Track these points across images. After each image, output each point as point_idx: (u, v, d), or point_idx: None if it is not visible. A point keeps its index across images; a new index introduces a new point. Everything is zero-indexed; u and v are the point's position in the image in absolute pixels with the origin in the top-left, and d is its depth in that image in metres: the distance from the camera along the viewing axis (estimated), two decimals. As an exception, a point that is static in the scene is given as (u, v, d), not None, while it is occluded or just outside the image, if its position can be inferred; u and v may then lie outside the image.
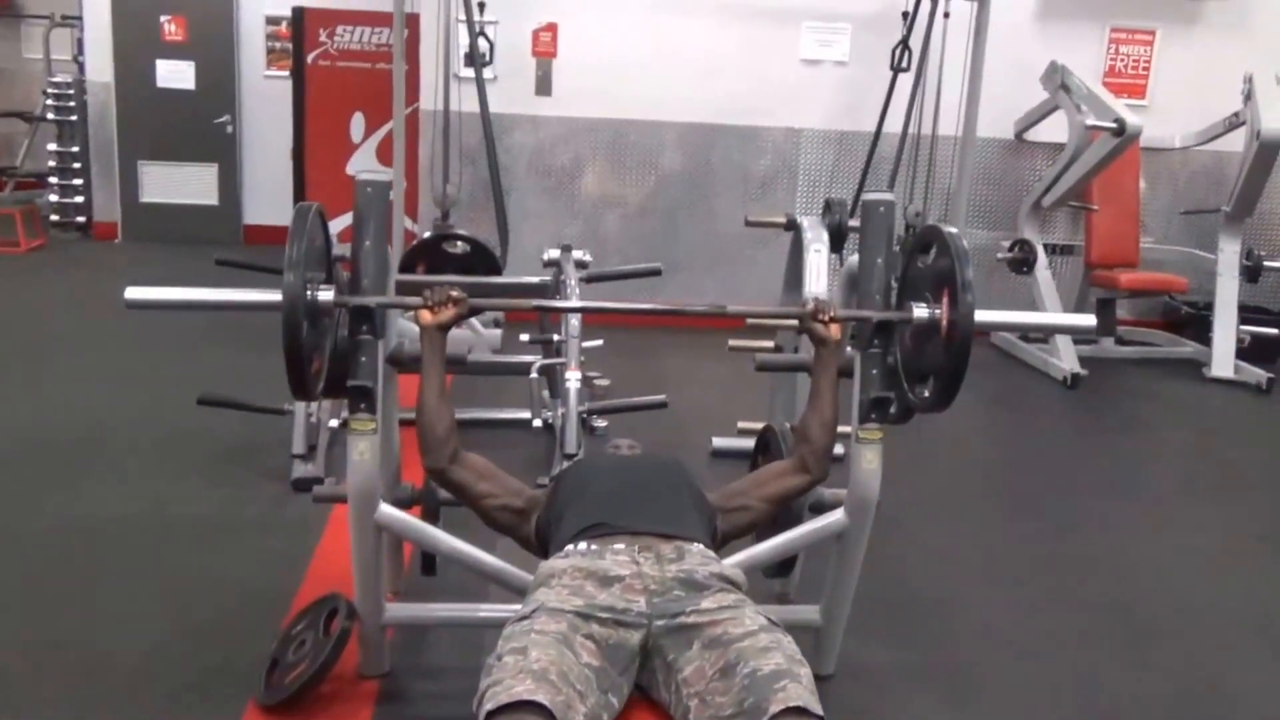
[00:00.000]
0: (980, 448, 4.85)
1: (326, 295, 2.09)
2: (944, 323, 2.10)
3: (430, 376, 2.15)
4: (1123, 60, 6.51)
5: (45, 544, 3.14)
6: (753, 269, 6.22)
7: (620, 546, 1.83)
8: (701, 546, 1.89)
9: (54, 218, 8.62)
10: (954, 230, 2.13)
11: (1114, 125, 5.36)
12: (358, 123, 7.05)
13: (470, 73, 5.52)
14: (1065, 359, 5.68)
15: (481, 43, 5.43)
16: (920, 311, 2.18)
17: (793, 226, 3.81)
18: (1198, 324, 6.38)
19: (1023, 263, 5.95)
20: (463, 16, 5.43)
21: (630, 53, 6.28)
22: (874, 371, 2.29)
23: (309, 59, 6.96)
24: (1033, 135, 6.46)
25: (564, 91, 6.27)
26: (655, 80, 6.31)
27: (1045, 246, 6.11)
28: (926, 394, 2.19)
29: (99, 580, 2.94)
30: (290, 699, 2.32)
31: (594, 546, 1.85)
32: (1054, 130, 6.17)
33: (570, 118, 6.32)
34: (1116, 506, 4.00)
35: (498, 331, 5.45)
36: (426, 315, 2.13)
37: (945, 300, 2.09)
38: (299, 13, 6.96)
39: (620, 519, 1.90)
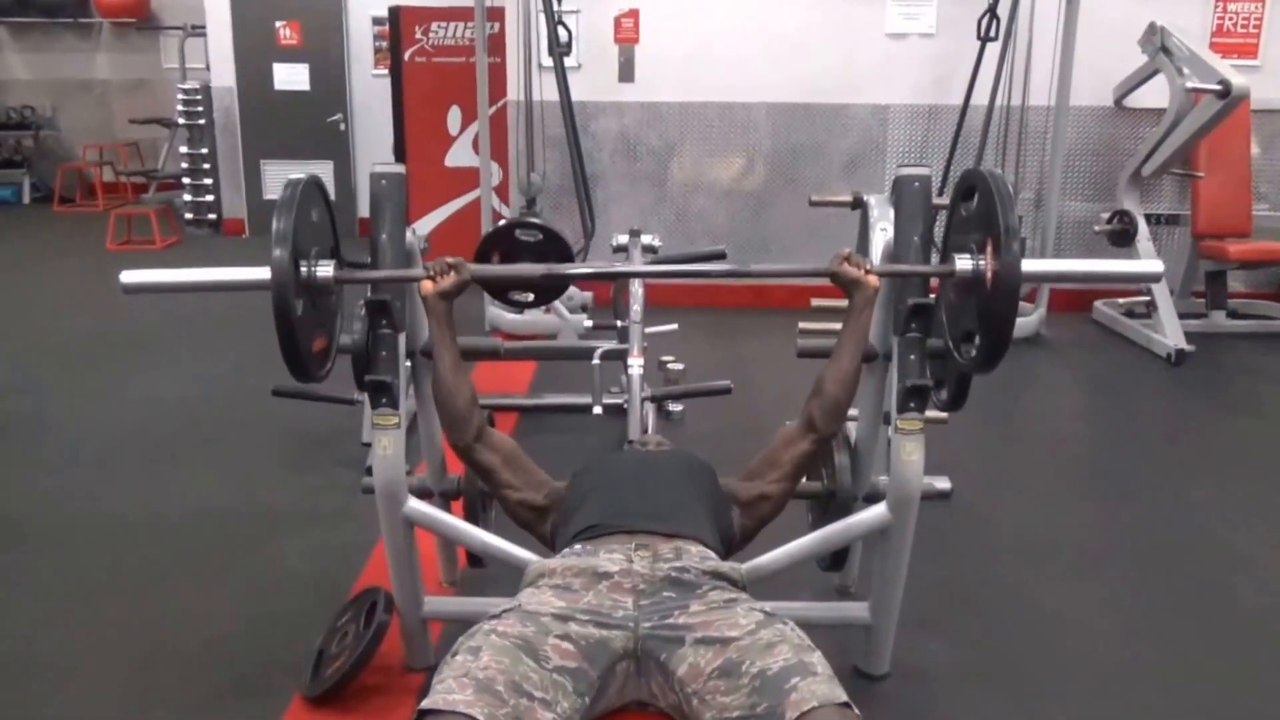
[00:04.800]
0: (1072, 429, 4.51)
1: (326, 271, 1.96)
2: (988, 274, 1.86)
3: (442, 349, 2.02)
4: (1231, 18, 5.95)
5: (130, 533, 3.16)
6: (843, 245, 5.94)
7: (616, 544, 1.68)
8: (702, 547, 1.72)
9: (188, 216, 8.91)
10: (996, 172, 1.89)
11: (1218, 87, 4.90)
12: (454, 116, 7.01)
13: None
14: (1170, 334, 5.24)
15: (562, 31, 5.30)
16: (964, 264, 1.92)
17: (859, 205, 3.56)
18: (1318, 295, 5.84)
19: (1123, 234, 5.53)
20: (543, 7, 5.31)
21: (713, 35, 6.05)
22: (912, 358, 2.07)
23: (406, 56, 6.95)
24: (1134, 101, 5.97)
25: (647, 77, 6.09)
26: (738, 62, 6.07)
27: (1148, 217, 5.66)
28: (973, 353, 1.94)
29: (173, 569, 2.95)
30: (331, 690, 2.26)
31: (589, 546, 1.71)
32: (1158, 96, 5.68)
33: (654, 102, 6.14)
34: (1216, 494, 3.61)
35: (584, 317, 5.38)
36: (427, 285, 1.99)
37: (989, 250, 1.85)
38: (395, 12, 6.96)
39: (619, 519, 1.74)
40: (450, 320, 2.02)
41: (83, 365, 5.00)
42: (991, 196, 1.83)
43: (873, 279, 2.01)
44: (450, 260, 1.99)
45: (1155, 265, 2.15)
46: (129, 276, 2.02)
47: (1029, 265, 1.81)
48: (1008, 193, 1.83)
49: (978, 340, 1.92)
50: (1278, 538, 3.29)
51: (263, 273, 1.85)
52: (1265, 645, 2.63)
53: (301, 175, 1.95)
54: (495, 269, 2.35)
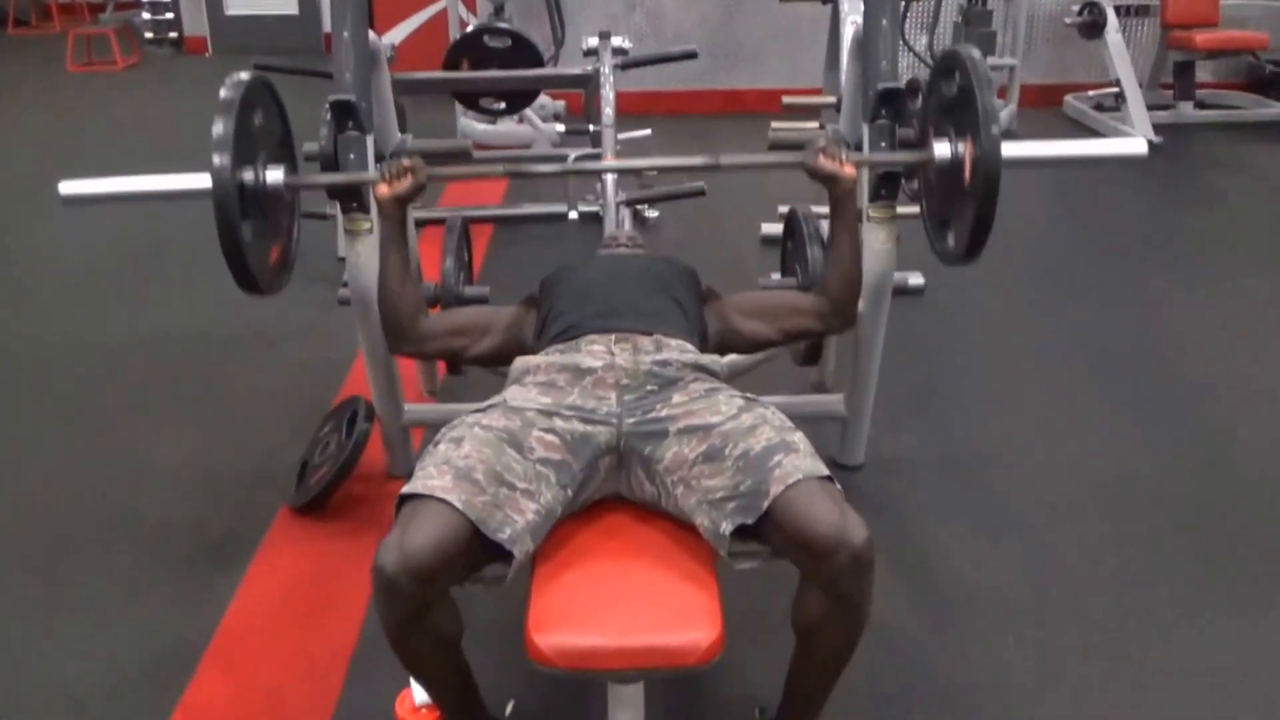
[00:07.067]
0: (1041, 223, 4.46)
1: (275, 176, 1.79)
2: (968, 160, 1.73)
3: (389, 255, 1.83)
4: None
5: (105, 359, 3.11)
6: (816, 48, 5.69)
7: (596, 336, 1.64)
8: (681, 340, 1.68)
9: (149, 35, 8.45)
10: (975, 55, 1.73)
11: None
12: (417, -79, 6.56)
13: None
14: (1138, 126, 5.13)
15: None
16: (942, 149, 1.78)
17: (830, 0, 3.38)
18: (1285, 83, 5.70)
19: (1092, 26, 5.33)
20: None
21: None
22: (883, 145, 1.98)
23: None
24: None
25: None
26: None
27: (1117, 9, 5.45)
28: (951, 243, 1.82)
29: (152, 390, 2.90)
30: (315, 499, 2.26)
31: (571, 344, 1.66)
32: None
33: (622, -101, 5.75)
34: (1176, 283, 3.62)
35: (556, 125, 5.21)
36: (383, 188, 1.80)
37: (969, 137, 1.72)
38: None
39: (599, 319, 1.69)
40: (403, 226, 1.85)
41: (47, 188, 4.81)
42: (970, 79, 1.68)
43: (849, 170, 1.82)
44: (407, 162, 1.79)
45: (1140, 145, 1.94)
46: (68, 188, 1.95)
47: (1009, 149, 1.67)
48: (986, 75, 1.68)
49: (954, 229, 1.80)
50: (1234, 323, 3.30)
51: (205, 180, 1.68)
52: (1215, 424, 2.68)
53: (245, 74, 1.76)
54: (451, 169, 2.12)
